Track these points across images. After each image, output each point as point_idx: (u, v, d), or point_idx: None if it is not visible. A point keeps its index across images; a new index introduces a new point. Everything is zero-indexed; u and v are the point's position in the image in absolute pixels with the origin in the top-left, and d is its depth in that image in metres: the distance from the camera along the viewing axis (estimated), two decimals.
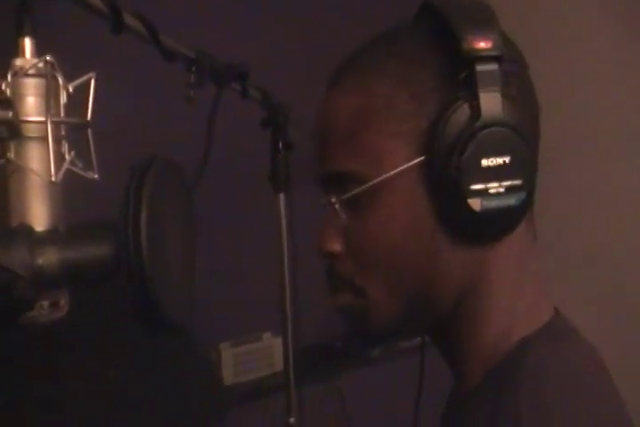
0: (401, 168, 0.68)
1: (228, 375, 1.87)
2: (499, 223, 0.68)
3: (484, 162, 0.65)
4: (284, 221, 1.38)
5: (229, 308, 1.80)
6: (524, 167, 0.66)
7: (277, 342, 1.76)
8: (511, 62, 0.68)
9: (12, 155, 0.68)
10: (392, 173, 0.68)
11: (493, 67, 0.65)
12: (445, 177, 0.66)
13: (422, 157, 0.67)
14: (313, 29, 2.03)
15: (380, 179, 0.68)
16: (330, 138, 0.73)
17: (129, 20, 0.86)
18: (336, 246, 0.73)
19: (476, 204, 0.65)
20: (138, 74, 1.42)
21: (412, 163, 0.67)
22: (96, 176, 0.74)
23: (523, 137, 0.66)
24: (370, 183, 0.69)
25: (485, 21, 0.66)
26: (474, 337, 0.72)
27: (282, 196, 1.35)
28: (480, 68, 0.64)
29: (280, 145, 1.32)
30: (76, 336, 1.21)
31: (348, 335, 2.25)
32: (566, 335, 0.72)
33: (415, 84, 0.68)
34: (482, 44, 0.64)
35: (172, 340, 1.51)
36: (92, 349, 1.32)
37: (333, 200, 0.72)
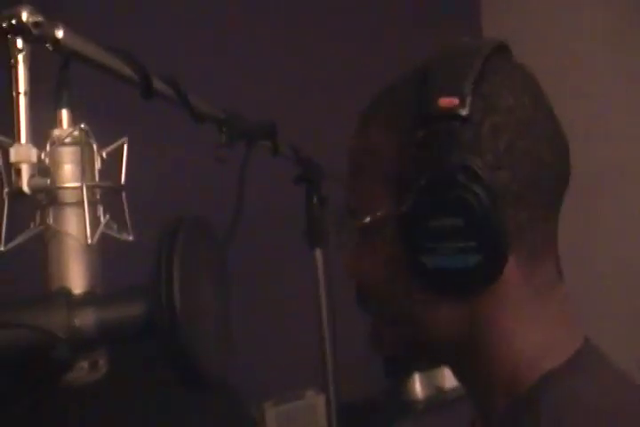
0: (373, 215, 0.72)
1: None
2: (461, 281, 0.68)
3: (433, 222, 0.66)
4: (321, 276, 1.40)
5: (271, 366, 1.81)
6: (482, 230, 0.66)
7: (321, 400, 1.76)
8: (506, 113, 0.68)
9: (50, 220, 0.71)
10: (367, 217, 0.72)
11: (455, 126, 0.65)
12: (401, 233, 0.69)
13: (391, 211, 0.70)
14: (341, 85, 2.08)
15: (362, 223, 0.73)
16: (349, 169, 0.77)
17: (158, 84, 0.89)
18: (350, 266, 0.78)
19: (428, 262, 0.67)
20: (169, 135, 1.46)
21: (379, 212, 0.71)
22: (130, 238, 0.77)
23: (490, 196, 0.66)
24: (355, 223, 0.74)
25: (464, 78, 0.67)
26: (490, 376, 0.73)
27: (318, 250, 1.36)
28: (442, 127, 0.66)
29: (315, 199, 1.34)
30: (116, 396, 1.23)
31: (392, 389, 2.25)
32: (593, 366, 0.71)
33: (396, 135, 0.71)
34: (444, 104, 0.66)
35: (214, 399, 1.52)
36: (132, 409, 1.33)
37: (340, 229, 0.78)
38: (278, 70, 2.01)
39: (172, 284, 0.68)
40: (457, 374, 0.78)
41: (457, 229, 0.66)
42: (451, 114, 0.65)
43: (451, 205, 0.66)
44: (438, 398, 2.25)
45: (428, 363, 0.87)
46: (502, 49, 0.74)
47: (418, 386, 2.27)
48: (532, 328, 0.72)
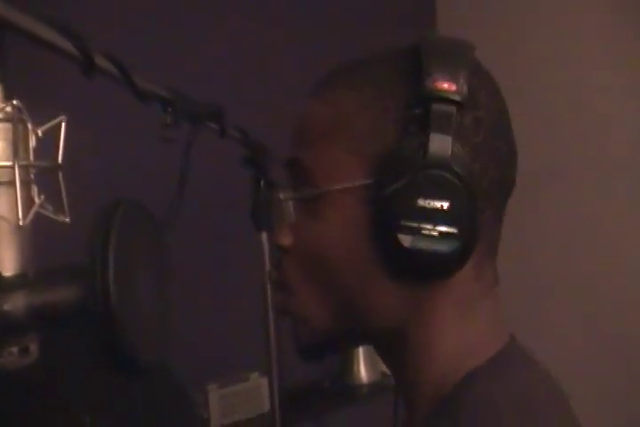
0: (344, 186, 0.69)
1: (216, 417, 1.86)
2: (430, 265, 0.67)
3: (420, 202, 0.65)
4: (267, 260, 1.38)
5: (215, 349, 1.79)
6: (464, 217, 0.66)
7: (265, 383, 1.75)
8: (485, 110, 0.69)
9: None
10: (336, 187, 0.70)
11: (450, 109, 0.65)
12: (382, 207, 0.67)
13: (365, 182, 0.68)
14: (291, 67, 2.06)
15: (324, 189, 0.70)
16: (302, 136, 0.74)
17: (101, 61, 0.86)
18: (286, 241, 0.75)
19: (405, 240, 0.65)
20: (112, 115, 1.43)
21: (354, 184, 0.69)
22: (67, 219, 0.74)
23: (470, 187, 0.66)
24: (316, 190, 0.71)
25: (459, 67, 0.67)
26: (420, 368, 0.72)
27: (264, 234, 1.35)
28: (436, 108, 0.65)
29: (262, 183, 1.32)
30: (50, 381, 1.20)
31: (335, 375, 2.25)
32: (514, 363, 0.72)
33: (380, 109, 0.69)
34: (444, 86, 0.65)
35: (157, 382, 1.50)
36: (67, 393, 1.30)
37: (283, 196, 0.75)
38: (231, 53, 1.98)
39: (107, 268, 0.66)
40: (387, 364, 0.77)
41: (442, 214, 0.65)
42: (448, 98, 0.65)
43: (441, 189, 0.65)
44: (383, 383, 2.26)
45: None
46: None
47: (362, 370, 2.28)
48: (468, 325, 0.71)
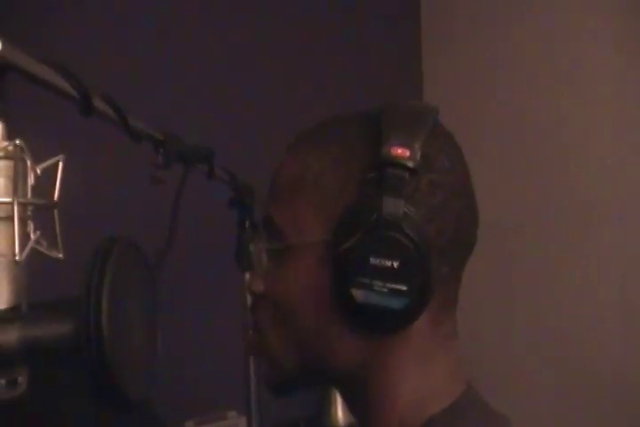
0: (306, 241, 0.74)
1: None
2: (381, 319, 0.71)
3: (372, 260, 0.69)
4: (249, 300, 1.38)
5: (194, 386, 1.79)
6: (414, 276, 0.69)
7: (243, 421, 1.75)
8: (443, 174, 0.73)
9: None
10: (299, 242, 0.75)
11: (403, 174, 0.69)
12: (338, 263, 0.71)
13: (325, 238, 0.73)
14: (279, 112, 2.09)
15: (288, 243, 0.75)
16: (274, 192, 0.80)
17: (98, 102, 0.88)
18: (259, 287, 0.81)
19: (358, 295, 0.70)
20: (105, 154, 1.45)
21: (315, 240, 0.73)
22: (60, 255, 0.76)
23: (422, 247, 0.69)
24: (281, 244, 0.76)
25: (416, 134, 0.71)
26: (379, 413, 0.75)
27: (247, 274, 1.36)
28: (390, 173, 0.69)
29: (247, 224, 1.34)
30: (35, 415, 1.20)
31: (312, 416, 2.24)
32: (471, 411, 0.75)
33: (344, 171, 0.74)
34: (398, 152, 0.70)
35: (135, 418, 1.49)
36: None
37: (259, 246, 0.81)
38: (219, 96, 2.01)
39: (100, 305, 0.67)
40: (349, 406, 0.81)
41: (393, 272, 0.69)
42: (401, 163, 0.70)
43: (391, 248, 0.69)
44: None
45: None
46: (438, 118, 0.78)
47: (340, 413, 2.27)
48: (425, 374, 0.75)
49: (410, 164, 0.69)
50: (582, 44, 2.27)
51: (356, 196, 0.71)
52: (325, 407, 2.27)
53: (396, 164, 0.69)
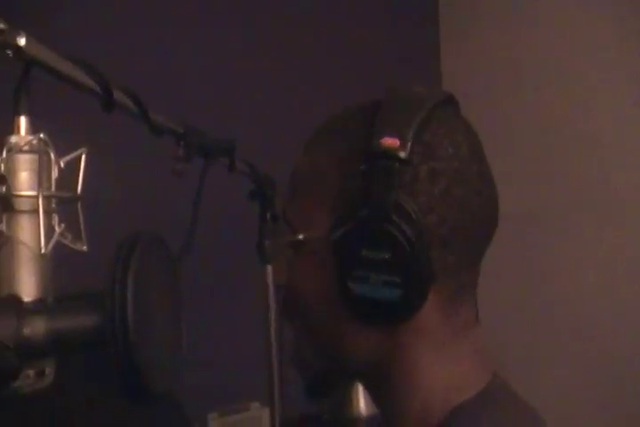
0: (312, 235, 0.75)
1: None
2: (382, 311, 0.71)
3: (365, 252, 0.70)
4: (271, 291, 1.40)
5: (217, 378, 1.79)
6: (407, 267, 0.69)
7: (266, 413, 1.76)
8: (445, 161, 0.72)
9: (3, 227, 0.70)
10: (307, 236, 0.76)
11: (393, 165, 0.69)
12: (335, 257, 0.72)
13: (327, 233, 0.73)
14: (301, 102, 2.09)
15: (299, 237, 0.76)
16: (289, 189, 0.81)
17: (119, 96, 0.89)
18: (280, 280, 0.81)
19: (355, 288, 0.70)
20: (127, 148, 1.46)
21: (319, 235, 0.74)
22: (85, 248, 0.76)
23: (417, 237, 0.69)
24: (293, 238, 0.77)
25: (409, 122, 0.70)
26: (402, 403, 0.75)
27: (269, 266, 1.37)
28: (380, 164, 0.69)
29: (268, 216, 1.35)
30: (60, 405, 1.21)
31: (335, 407, 2.24)
32: (499, 401, 0.75)
33: (344, 165, 0.74)
34: (387, 143, 0.69)
35: (158, 409, 1.50)
36: (76, 417, 1.31)
37: (279, 241, 0.82)
38: (242, 89, 2.02)
39: (125, 298, 0.68)
40: (374, 398, 0.81)
41: (383, 263, 0.69)
42: (390, 154, 0.69)
43: (379, 240, 0.69)
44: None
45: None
46: (450, 101, 0.77)
47: (362, 403, 2.27)
48: (446, 364, 0.75)
49: (401, 154, 0.69)
50: (600, 45, 2.28)
51: (349, 190, 0.72)
52: (348, 399, 2.27)
53: (386, 155, 0.69)
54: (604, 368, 2.23)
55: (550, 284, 2.40)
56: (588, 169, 2.31)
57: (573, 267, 2.35)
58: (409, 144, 0.69)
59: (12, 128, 0.73)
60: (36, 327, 0.68)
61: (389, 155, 0.69)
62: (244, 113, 1.99)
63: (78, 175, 0.78)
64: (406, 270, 0.69)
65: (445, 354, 0.75)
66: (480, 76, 2.63)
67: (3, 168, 0.71)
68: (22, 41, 0.69)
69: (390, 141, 0.69)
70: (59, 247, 0.74)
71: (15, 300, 0.70)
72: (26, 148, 0.71)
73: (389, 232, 0.68)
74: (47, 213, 0.72)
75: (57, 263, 0.74)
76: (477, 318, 0.79)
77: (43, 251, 0.71)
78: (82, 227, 0.77)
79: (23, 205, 0.71)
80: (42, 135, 0.72)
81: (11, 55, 0.69)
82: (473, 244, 0.75)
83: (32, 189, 0.71)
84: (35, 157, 0.72)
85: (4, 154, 0.71)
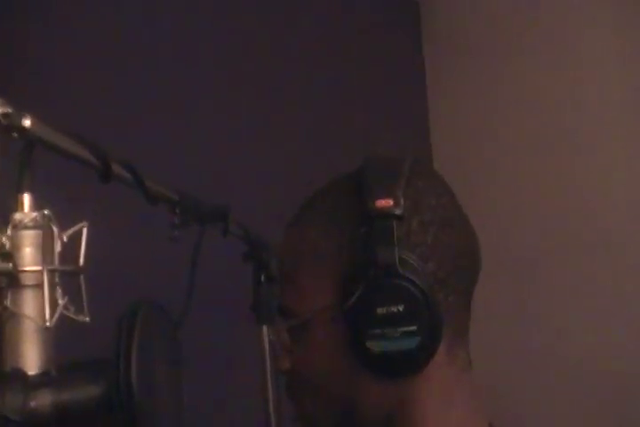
0: (315, 309, 0.78)
1: None
2: (403, 363, 0.74)
3: (379, 310, 0.73)
4: (267, 353, 1.42)
5: None
6: (420, 313, 0.73)
7: None
8: (431, 212, 0.78)
9: (8, 302, 0.73)
10: (309, 314, 0.79)
11: (391, 223, 0.74)
12: (347, 321, 0.75)
13: (331, 302, 0.77)
14: (294, 165, 2.14)
15: (301, 318, 0.80)
16: (281, 274, 0.86)
17: (116, 168, 0.92)
18: (285, 366, 0.84)
19: (374, 346, 0.74)
20: (124, 217, 1.47)
21: (321, 307, 0.78)
22: (87, 319, 0.79)
23: (423, 285, 0.73)
24: (294, 321, 0.80)
25: (395, 183, 0.76)
26: None
27: (265, 327, 1.39)
28: (379, 224, 0.74)
29: (262, 277, 1.38)
30: None
31: None
32: None
33: (336, 234, 0.78)
34: (382, 204, 0.74)
35: None
36: None
37: (279, 329, 0.84)
38: (232, 149, 2.04)
39: (130, 370, 0.70)
40: None
41: (400, 316, 0.73)
42: (387, 213, 0.74)
43: (393, 295, 0.73)
44: None
45: None
46: (421, 160, 0.84)
47: None
48: (448, 409, 0.78)
49: (397, 211, 0.74)
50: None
51: (352, 254, 0.76)
52: None
53: (384, 214, 0.74)
54: (603, 407, 2.25)
55: (544, 326, 2.44)
56: (588, 203, 2.39)
57: (567, 308, 2.40)
58: (401, 202, 0.74)
59: (16, 205, 0.75)
60: (42, 400, 0.70)
61: (386, 214, 0.74)
62: (237, 176, 2.01)
63: (79, 248, 0.80)
64: (421, 317, 0.73)
65: (448, 399, 0.78)
66: (469, 117, 2.73)
67: (8, 245, 0.73)
68: (27, 123, 0.73)
69: (384, 202, 0.74)
70: (61, 318, 0.75)
71: (21, 374, 0.72)
72: (30, 224, 0.74)
73: (400, 285, 0.73)
74: (51, 287, 0.74)
75: (59, 334, 0.76)
76: (470, 363, 0.82)
77: (47, 324, 0.73)
78: (84, 298, 0.80)
79: (28, 279, 0.73)
80: (46, 212, 0.75)
81: (16, 137, 0.73)
82: (465, 283, 0.81)
83: (36, 264, 0.73)
84: (39, 232, 0.74)
85: (9, 231, 0.74)
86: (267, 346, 1.41)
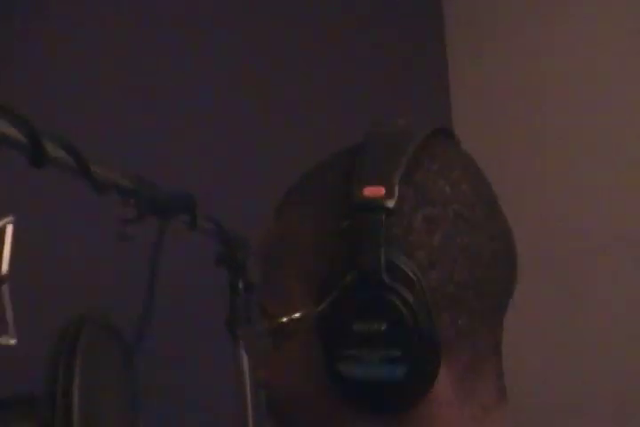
0: (292, 316, 0.68)
1: None
2: (384, 395, 0.64)
3: (356, 326, 0.63)
4: (246, 371, 1.30)
5: None
6: (406, 338, 0.62)
7: None
8: (444, 204, 0.65)
9: None
10: (285, 319, 0.68)
11: (379, 218, 0.62)
12: (320, 336, 0.65)
13: (307, 309, 0.66)
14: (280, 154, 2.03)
15: (277, 323, 0.69)
16: (261, 271, 0.75)
17: (53, 150, 0.77)
18: (260, 375, 0.75)
19: (347, 370, 0.63)
20: (62, 211, 1.38)
21: (299, 313, 0.67)
22: (12, 341, 0.67)
23: (418, 298, 0.62)
24: (270, 324, 0.70)
25: (394, 165, 0.64)
26: None
27: (242, 344, 1.27)
28: (364, 218, 0.63)
29: (239, 285, 1.24)
30: None
31: None
32: None
33: (319, 231, 0.67)
34: (370, 192, 0.63)
35: None
36: None
37: (255, 330, 0.78)
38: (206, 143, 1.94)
39: (71, 402, 0.58)
40: None
41: (379, 336, 0.62)
42: (375, 205, 0.63)
43: (373, 309, 0.63)
44: None
45: None
46: (443, 133, 0.72)
47: None
48: None
49: (388, 202, 0.62)
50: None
51: (332, 253, 0.65)
52: None
53: (369, 206, 0.63)
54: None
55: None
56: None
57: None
58: (396, 190, 0.63)
59: None
60: None
61: (373, 206, 0.63)
62: (209, 163, 1.89)
63: (2, 251, 0.69)
64: (408, 342, 0.62)
65: None
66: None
67: None
68: None
69: (373, 190, 0.63)
70: None
71: None
72: None
73: (383, 298, 0.61)
74: None
75: None
76: (504, 397, 0.70)
77: None
78: (9, 314, 0.68)
79: None
80: None
81: None
82: (489, 300, 0.67)
83: None
84: None
85: None
86: (244, 363, 1.29)
